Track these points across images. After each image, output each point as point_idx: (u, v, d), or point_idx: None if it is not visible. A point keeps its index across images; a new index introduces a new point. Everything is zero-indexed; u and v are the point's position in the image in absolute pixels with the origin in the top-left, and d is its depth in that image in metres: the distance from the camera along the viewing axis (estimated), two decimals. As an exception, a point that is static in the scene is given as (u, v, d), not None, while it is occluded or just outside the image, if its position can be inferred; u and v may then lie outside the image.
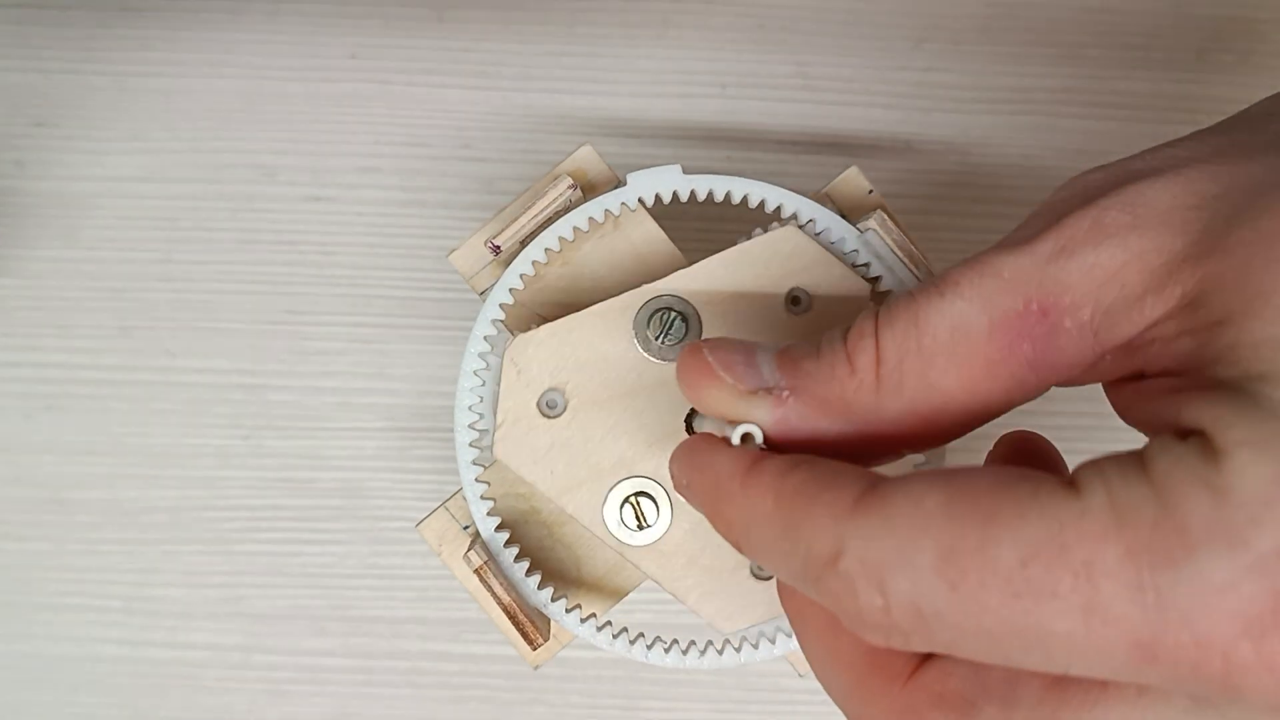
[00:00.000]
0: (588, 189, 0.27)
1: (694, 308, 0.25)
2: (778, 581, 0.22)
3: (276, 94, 0.32)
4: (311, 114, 0.32)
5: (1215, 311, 0.17)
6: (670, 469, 0.21)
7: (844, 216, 0.26)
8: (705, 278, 0.25)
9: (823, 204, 0.26)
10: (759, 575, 0.26)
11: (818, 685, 0.31)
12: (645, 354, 0.25)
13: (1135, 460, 0.17)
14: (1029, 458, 0.23)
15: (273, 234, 0.32)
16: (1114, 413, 0.20)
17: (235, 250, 0.32)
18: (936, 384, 0.19)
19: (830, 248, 0.26)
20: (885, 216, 0.25)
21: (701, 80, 0.32)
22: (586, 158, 0.27)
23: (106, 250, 0.32)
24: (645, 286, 0.25)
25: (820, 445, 0.20)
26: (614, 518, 0.26)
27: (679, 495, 0.25)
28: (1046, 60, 0.32)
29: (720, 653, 0.26)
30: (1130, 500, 0.16)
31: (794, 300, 0.25)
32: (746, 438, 0.20)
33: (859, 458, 0.20)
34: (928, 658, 0.19)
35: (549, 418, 0.26)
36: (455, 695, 0.32)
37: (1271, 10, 0.32)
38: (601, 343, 0.25)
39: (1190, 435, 0.17)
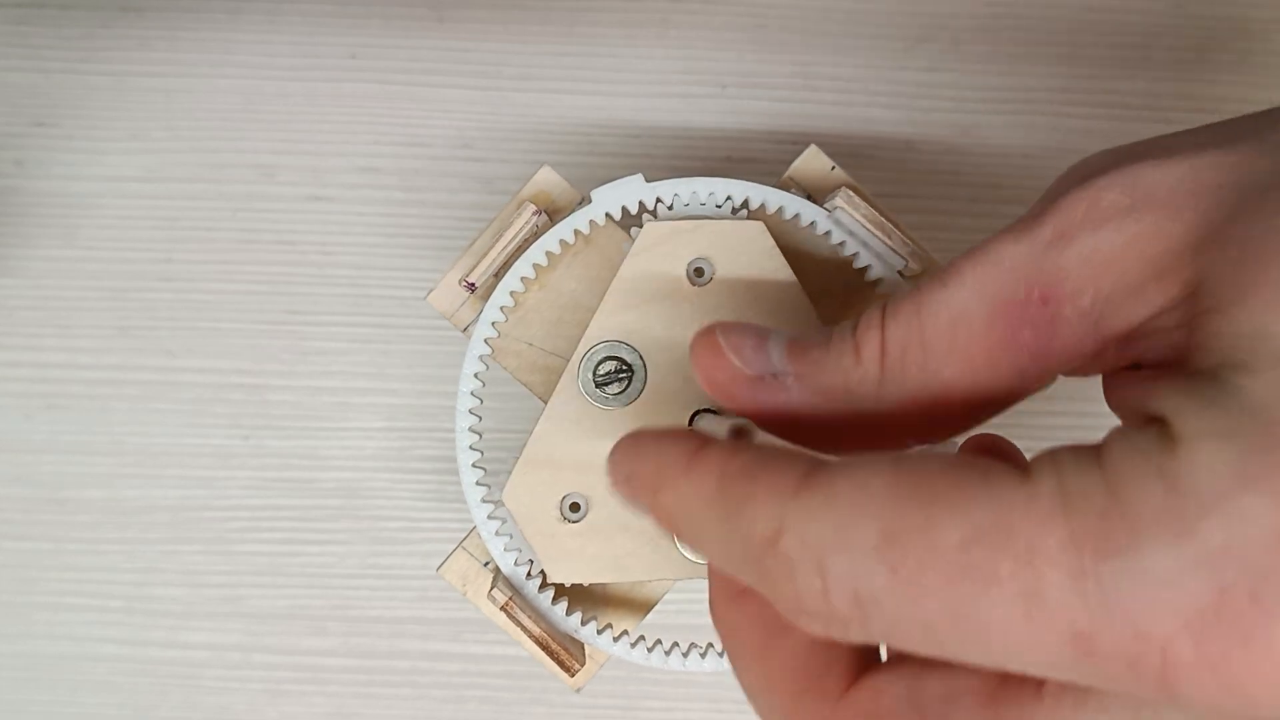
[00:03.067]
0: (552, 211, 0.26)
1: (623, 343, 0.25)
2: (710, 597, 0.21)
3: (276, 94, 0.32)
4: (311, 114, 0.32)
5: (1205, 300, 0.17)
6: (608, 463, 0.20)
7: (810, 198, 0.26)
8: (614, 312, 0.25)
9: (787, 189, 0.26)
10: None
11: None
12: (614, 409, 0.26)
13: (1091, 451, 0.16)
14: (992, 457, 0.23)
15: (273, 234, 0.32)
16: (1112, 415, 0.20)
17: (235, 250, 0.32)
18: (938, 374, 0.19)
19: (803, 232, 0.26)
20: (850, 193, 0.25)
21: (701, 80, 0.32)
22: (547, 180, 0.27)
23: (106, 250, 0.32)
24: (570, 362, 0.25)
25: (823, 436, 0.20)
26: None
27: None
28: (1046, 60, 0.32)
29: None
30: (1080, 487, 0.16)
31: (697, 273, 0.25)
32: (741, 431, 0.20)
33: (864, 450, 0.20)
34: (861, 676, 0.19)
35: (579, 521, 0.26)
36: (455, 695, 0.32)
37: (1271, 10, 0.32)
38: (574, 429, 0.26)
39: (1152, 424, 0.16)
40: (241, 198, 0.32)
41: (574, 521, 0.25)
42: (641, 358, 0.25)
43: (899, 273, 0.26)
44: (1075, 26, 0.32)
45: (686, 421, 0.25)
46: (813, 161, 0.27)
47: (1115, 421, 0.20)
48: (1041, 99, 0.32)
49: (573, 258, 0.26)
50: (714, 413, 0.25)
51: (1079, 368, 0.19)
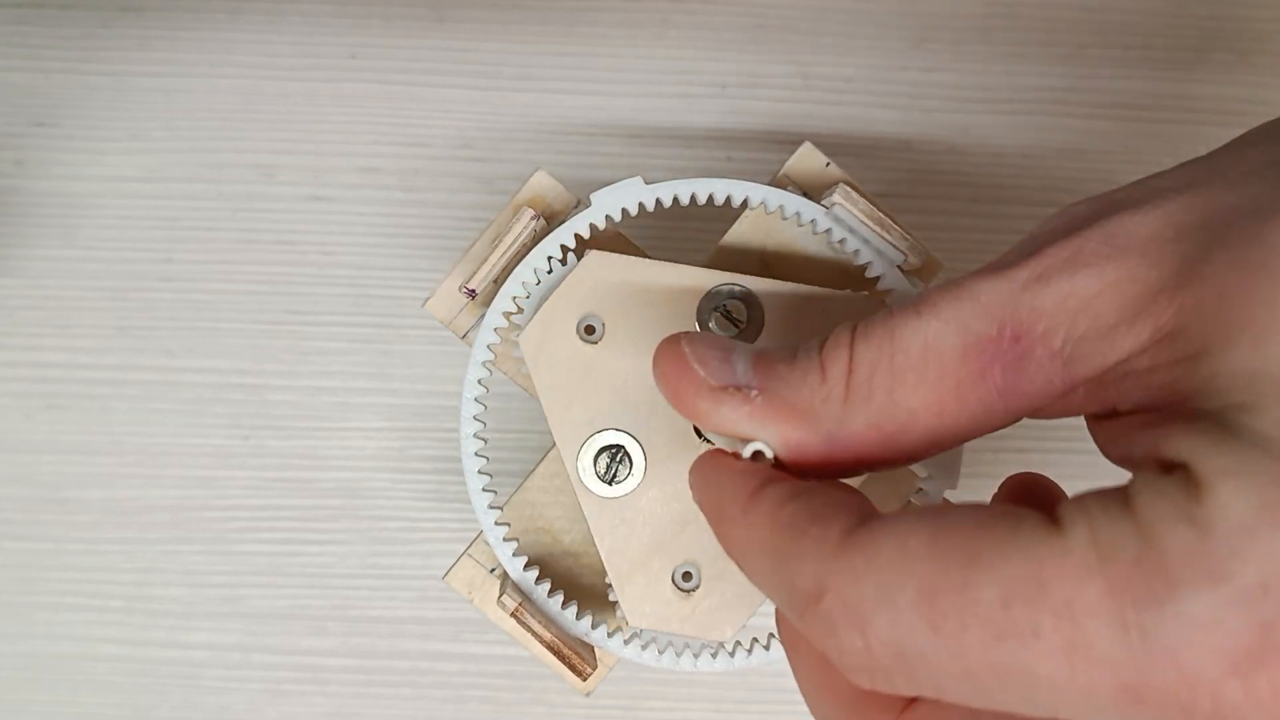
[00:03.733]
0: (549, 215, 0.26)
1: (762, 309, 0.25)
2: (776, 613, 0.22)
3: (276, 94, 0.32)
4: (311, 114, 0.32)
5: (1194, 343, 0.17)
6: (689, 480, 0.21)
7: (806, 196, 0.26)
8: (783, 292, 0.25)
9: (783, 187, 0.26)
10: (680, 587, 0.26)
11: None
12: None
13: (1119, 496, 0.17)
14: (1031, 498, 0.23)
15: (273, 234, 0.32)
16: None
17: (235, 250, 0.32)
18: (904, 402, 0.19)
19: (801, 231, 0.26)
20: (848, 189, 0.25)
21: (701, 80, 0.32)
22: (542, 184, 0.26)
23: (106, 250, 0.32)
24: (729, 273, 0.25)
25: (785, 454, 0.20)
26: (587, 462, 0.25)
27: (654, 466, 0.25)
28: (1046, 60, 0.32)
29: (750, 653, 0.26)
30: (1112, 537, 0.16)
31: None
32: (756, 455, 0.20)
33: (821, 470, 0.20)
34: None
35: (586, 342, 0.25)
36: (455, 695, 0.32)
37: (1271, 10, 0.32)
38: (666, 297, 0.25)
39: (1173, 469, 0.16)
40: (241, 198, 0.32)
41: (582, 339, 0.25)
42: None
43: (899, 268, 0.26)
44: (1075, 26, 0.32)
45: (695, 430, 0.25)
46: (808, 159, 0.27)
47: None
48: (1041, 99, 0.32)
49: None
50: None
51: (1046, 409, 0.20)
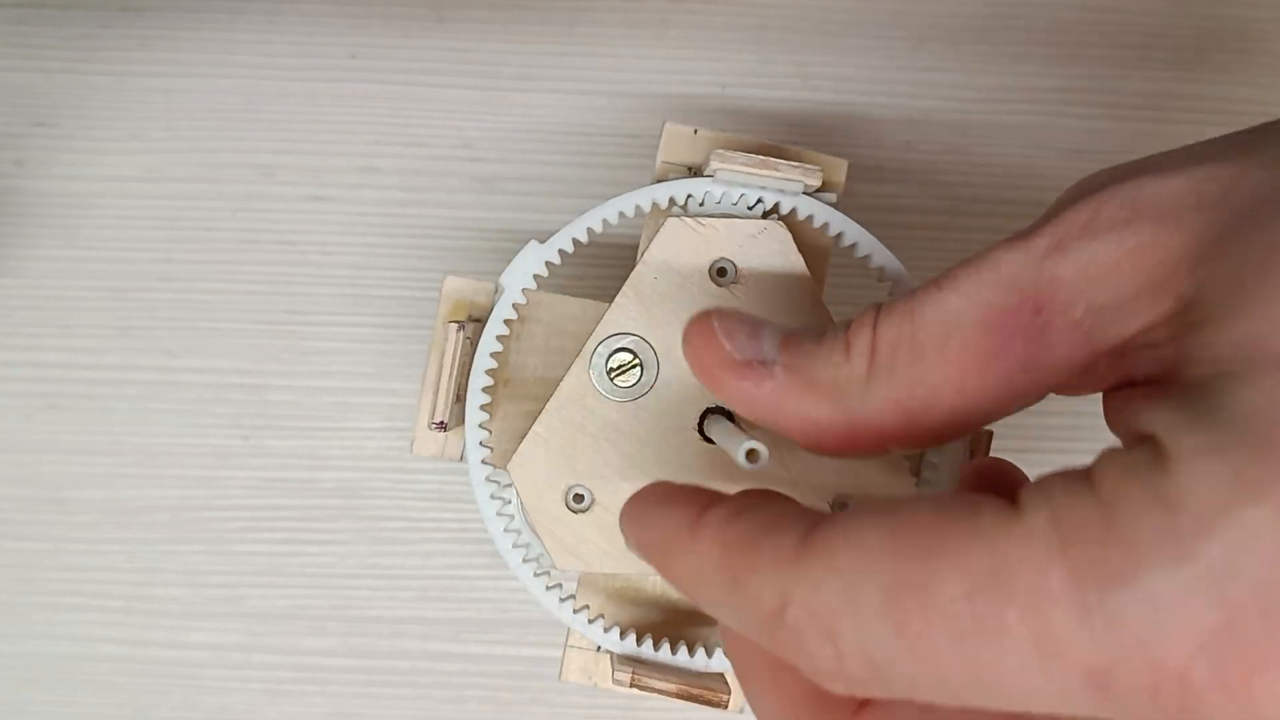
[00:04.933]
0: (478, 312, 0.26)
1: (638, 336, 0.25)
2: (721, 630, 0.22)
3: (276, 94, 0.32)
4: (311, 114, 0.32)
5: (1201, 313, 0.17)
6: (620, 525, 0.21)
7: (696, 173, 0.26)
8: (630, 305, 0.25)
9: (666, 177, 0.26)
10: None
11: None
12: (624, 402, 0.25)
13: (1082, 476, 0.16)
14: (993, 485, 0.22)
15: (273, 234, 0.32)
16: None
17: (235, 250, 0.32)
18: (925, 378, 0.19)
19: (706, 208, 0.26)
20: (722, 151, 0.25)
21: (701, 80, 0.32)
22: (457, 288, 0.26)
23: (106, 250, 0.32)
24: (583, 348, 0.25)
25: (807, 430, 0.20)
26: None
27: None
28: (1046, 60, 0.32)
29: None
30: (1074, 518, 0.15)
31: (720, 273, 0.25)
32: (751, 454, 0.20)
33: (844, 450, 0.20)
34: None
35: (583, 511, 0.26)
36: (455, 695, 0.32)
37: (1271, 10, 0.32)
38: (583, 417, 0.25)
39: (1142, 442, 0.16)
40: (241, 198, 0.32)
41: (577, 512, 0.25)
42: (655, 352, 0.25)
43: (807, 194, 0.25)
44: (1075, 26, 0.32)
45: (696, 420, 0.25)
46: (677, 138, 0.26)
47: (1111, 438, 0.20)
48: (1041, 99, 0.32)
49: (516, 341, 0.26)
50: (724, 413, 0.25)
51: (1069, 383, 0.19)
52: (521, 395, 0.26)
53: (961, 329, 0.19)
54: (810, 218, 0.26)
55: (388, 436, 0.32)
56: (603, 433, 0.25)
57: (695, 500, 0.19)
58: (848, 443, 0.20)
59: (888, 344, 0.19)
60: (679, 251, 0.25)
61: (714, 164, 0.25)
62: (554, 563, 0.25)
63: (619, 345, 0.25)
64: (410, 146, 0.32)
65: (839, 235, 0.26)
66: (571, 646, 0.27)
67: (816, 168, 0.25)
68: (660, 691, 0.25)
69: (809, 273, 0.25)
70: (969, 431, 0.20)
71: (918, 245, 0.32)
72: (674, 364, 0.25)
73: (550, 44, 0.32)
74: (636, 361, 0.25)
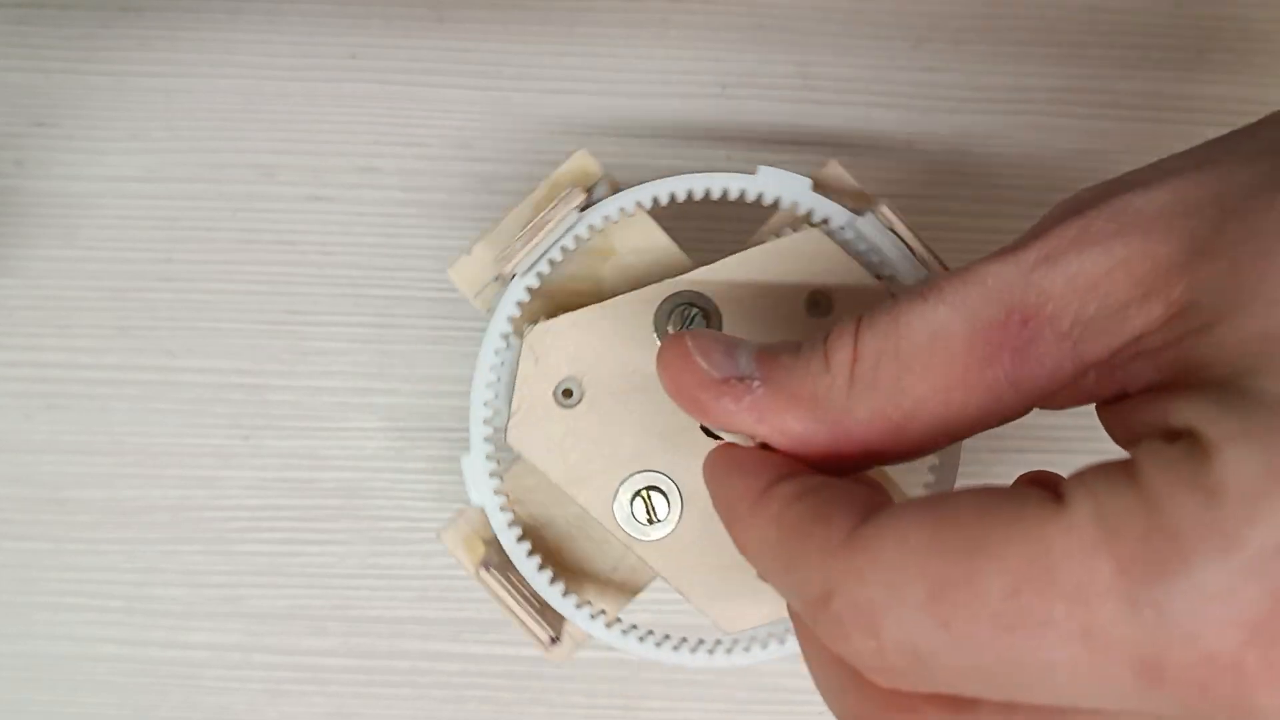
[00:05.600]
0: (592, 188, 0.26)
1: (715, 305, 0.25)
2: (788, 604, 0.22)
3: (276, 94, 0.32)
4: (311, 114, 0.32)
5: (1205, 314, 0.17)
6: (704, 478, 0.21)
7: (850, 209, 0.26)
8: (727, 275, 0.25)
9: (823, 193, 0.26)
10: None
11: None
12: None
13: (1123, 468, 0.16)
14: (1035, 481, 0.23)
15: (273, 234, 0.32)
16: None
17: (235, 250, 0.32)
18: (910, 390, 0.19)
19: (846, 246, 0.26)
20: (887, 210, 0.25)
21: (701, 80, 0.32)
22: (586, 167, 0.26)
23: (106, 250, 0.32)
24: (667, 281, 0.25)
25: (788, 445, 0.20)
26: (624, 511, 0.25)
27: (690, 493, 0.25)
28: (1046, 60, 0.32)
29: (729, 652, 0.26)
30: (1118, 510, 0.16)
31: (814, 303, 0.25)
32: (766, 445, 0.20)
33: (828, 462, 0.20)
34: None
35: (564, 407, 0.25)
36: (455, 695, 0.32)
37: (1271, 10, 0.32)
38: (621, 335, 0.25)
39: (1179, 437, 0.16)
40: (241, 198, 0.32)
41: (560, 405, 0.25)
42: (720, 329, 0.25)
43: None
44: (1075, 26, 0.32)
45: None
46: (835, 172, 0.27)
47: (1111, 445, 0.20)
48: (1041, 99, 0.32)
49: (591, 244, 0.26)
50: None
51: (1057, 396, 0.19)
52: (571, 291, 0.26)
53: (948, 341, 0.19)
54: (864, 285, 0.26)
55: (388, 436, 0.32)
56: (629, 359, 0.25)
57: (765, 471, 0.19)
58: (831, 456, 0.20)
59: (871, 355, 0.19)
60: (796, 260, 0.25)
61: (882, 209, 0.25)
62: (507, 434, 0.25)
63: (696, 303, 0.25)
64: (410, 146, 0.32)
65: (891, 277, 0.26)
66: (464, 518, 0.27)
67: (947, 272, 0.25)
68: (497, 597, 0.25)
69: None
70: (952, 443, 0.20)
71: (918, 245, 0.32)
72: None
73: (550, 44, 0.32)
74: (701, 325, 0.25)
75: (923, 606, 0.16)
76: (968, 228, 0.32)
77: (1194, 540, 0.15)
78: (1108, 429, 0.20)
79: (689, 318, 0.25)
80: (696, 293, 0.25)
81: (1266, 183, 0.17)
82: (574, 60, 0.32)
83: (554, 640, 0.26)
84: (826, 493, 0.19)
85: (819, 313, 0.25)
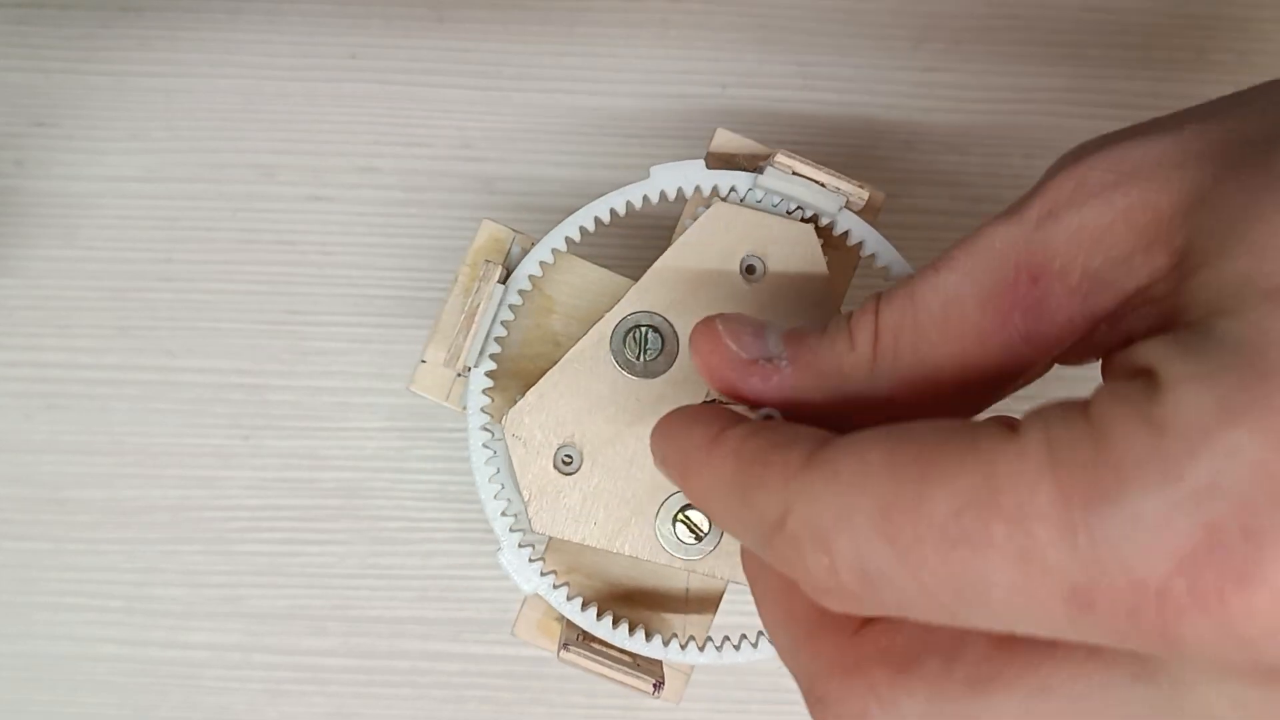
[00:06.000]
0: (506, 262, 0.26)
1: (661, 316, 0.26)
2: (740, 547, 0.22)
3: (276, 94, 0.32)
4: (311, 114, 0.32)
5: (1195, 260, 0.17)
6: (650, 444, 0.21)
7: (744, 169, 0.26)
8: (658, 284, 0.26)
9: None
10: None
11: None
12: (634, 377, 0.26)
13: (1079, 404, 0.16)
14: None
15: (273, 234, 0.32)
16: None
17: (235, 250, 0.32)
18: (929, 357, 0.19)
19: (758, 206, 0.26)
20: (787, 153, 0.25)
21: (701, 80, 0.32)
22: (493, 233, 0.26)
23: (106, 250, 0.32)
24: (606, 315, 0.26)
25: (818, 419, 0.20)
26: (671, 540, 0.26)
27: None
28: (1046, 60, 0.32)
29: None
30: (1066, 439, 0.16)
31: (749, 270, 0.26)
32: (768, 419, 0.20)
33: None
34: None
35: (571, 474, 0.26)
36: (455, 695, 0.32)
37: (1271, 10, 0.32)
38: (590, 384, 0.26)
39: (1138, 375, 0.16)
40: (241, 198, 0.32)
41: (564, 474, 0.25)
42: (676, 336, 0.25)
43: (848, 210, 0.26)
44: (1075, 26, 0.32)
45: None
46: (727, 144, 0.27)
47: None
48: (1041, 99, 0.32)
49: (534, 302, 0.26)
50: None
51: (1073, 351, 0.19)
52: (531, 355, 0.26)
53: (961, 306, 0.19)
54: (847, 233, 0.26)
55: (388, 436, 0.32)
56: (607, 401, 0.25)
57: (719, 420, 0.20)
58: (859, 428, 0.20)
59: (890, 329, 0.20)
60: (715, 239, 0.25)
61: (779, 158, 0.25)
62: (531, 523, 0.25)
63: (642, 322, 0.26)
64: (410, 146, 0.32)
65: (873, 255, 0.26)
66: (528, 604, 0.27)
67: (864, 191, 0.25)
68: (588, 670, 0.25)
69: (832, 282, 0.26)
70: (980, 405, 0.20)
71: (918, 245, 0.32)
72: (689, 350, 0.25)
73: (550, 44, 0.32)
74: (656, 341, 0.25)
75: (872, 524, 0.17)
76: (968, 228, 0.32)
77: (1134, 470, 0.15)
78: (1105, 380, 0.20)
79: (641, 339, 0.26)
80: (640, 312, 0.26)
81: (1267, 134, 0.18)
82: (574, 60, 0.32)
83: (659, 685, 0.26)
84: (785, 427, 0.19)
85: (756, 277, 0.25)
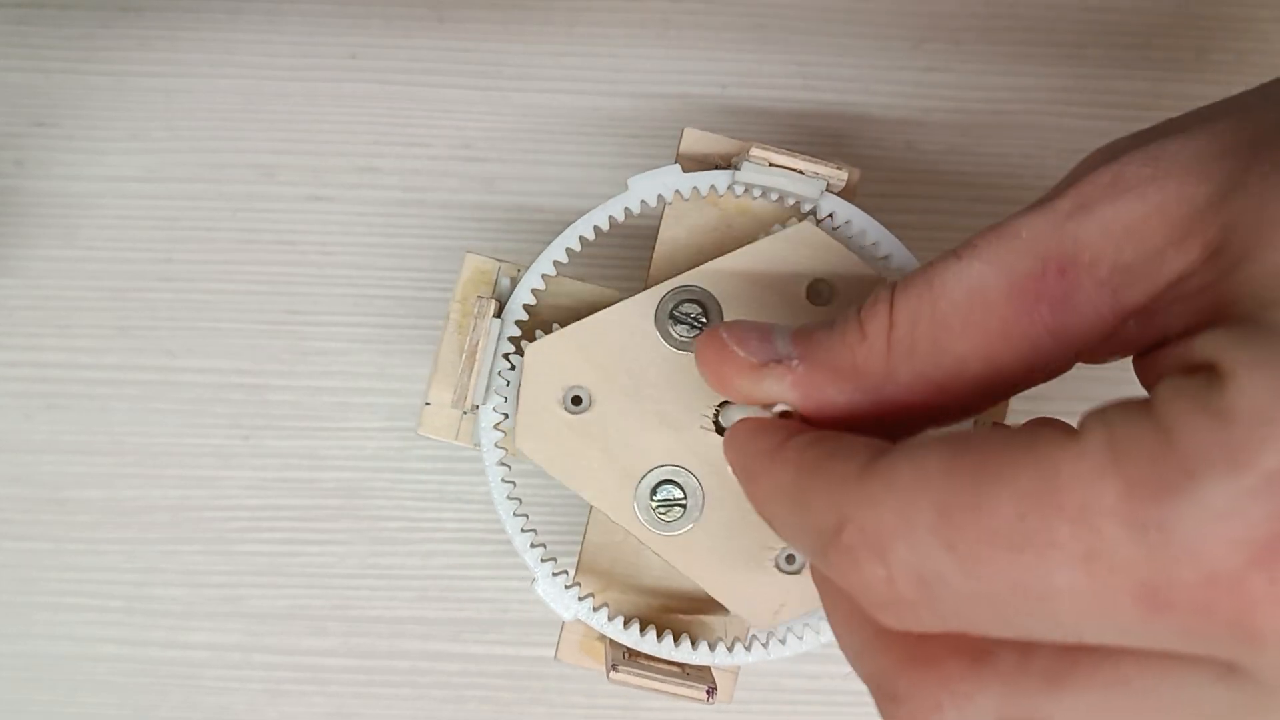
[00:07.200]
0: (494, 294, 0.26)
1: (715, 299, 0.25)
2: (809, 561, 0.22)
3: (276, 94, 0.32)
4: (311, 114, 0.32)
5: (1235, 253, 0.17)
6: (723, 450, 0.21)
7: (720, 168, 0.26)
8: (727, 271, 0.25)
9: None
10: (784, 570, 0.25)
11: (817, 685, 0.31)
12: (669, 346, 0.25)
13: (1140, 402, 0.16)
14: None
15: (273, 234, 0.32)
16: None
17: (235, 250, 0.32)
18: (950, 349, 0.19)
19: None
20: (761, 145, 0.25)
21: (701, 80, 0.32)
22: (478, 266, 0.26)
23: (106, 250, 0.32)
24: (667, 281, 0.25)
25: (834, 416, 0.20)
26: (646, 512, 0.25)
27: (710, 487, 0.25)
28: (1046, 60, 0.32)
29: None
30: (1129, 436, 0.15)
31: (815, 293, 0.25)
32: (784, 415, 0.20)
33: (875, 430, 0.20)
34: None
35: (574, 414, 0.25)
36: (455, 695, 0.32)
37: (1271, 10, 0.32)
38: (624, 337, 0.25)
39: (1197, 370, 0.16)
40: (241, 198, 0.32)
41: (571, 412, 0.25)
42: (719, 304, 0.25)
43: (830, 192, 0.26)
44: (1075, 26, 0.32)
45: (712, 410, 0.25)
46: (697, 144, 0.26)
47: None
48: (1041, 99, 0.32)
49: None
50: None
51: (1099, 348, 0.19)
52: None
53: (986, 297, 0.19)
54: (832, 215, 0.26)
55: (388, 436, 0.32)
56: (635, 360, 0.25)
57: (783, 430, 0.20)
58: (876, 424, 0.20)
59: (906, 319, 0.19)
60: (790, 254, 0.25)
61: (754, 151, 0.25)
62: (516, 438, 0.25)
63: (696, 296, 0.25)
64: (410, 146, 0.32)
65: (860, 233, 0.26)
66: (568, 626, 0.27)
67: (843, 173, 0.25)
68: (640, 688, 0.25)
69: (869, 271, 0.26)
70: (1000, 400, 0.20)
71: (918, 245, 0.32)
72: None
73: (550, 44, 0.32)
74: (702, 319, 0.25)
75: (930, 529, 0.16)
76: (968, 228, 0.32)
77: (1202, 460, 0.15)
78: (1141, 379, 0.19)
79: (690, 313, 0.25)
80: (696, 287, 0.25)
81: None
82: (574, 60, 0.32)
83: (712, 691, 0.26)
84: (844, 437, 0.19)
85: (821, 301, 0.25)
